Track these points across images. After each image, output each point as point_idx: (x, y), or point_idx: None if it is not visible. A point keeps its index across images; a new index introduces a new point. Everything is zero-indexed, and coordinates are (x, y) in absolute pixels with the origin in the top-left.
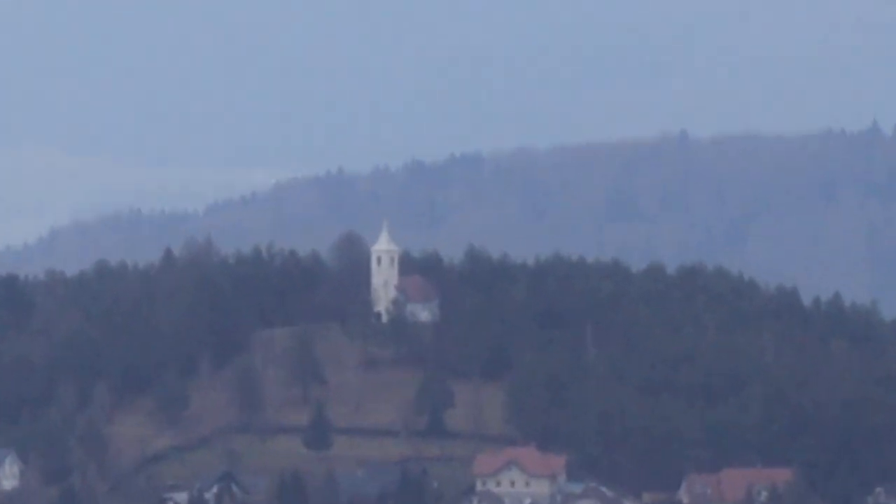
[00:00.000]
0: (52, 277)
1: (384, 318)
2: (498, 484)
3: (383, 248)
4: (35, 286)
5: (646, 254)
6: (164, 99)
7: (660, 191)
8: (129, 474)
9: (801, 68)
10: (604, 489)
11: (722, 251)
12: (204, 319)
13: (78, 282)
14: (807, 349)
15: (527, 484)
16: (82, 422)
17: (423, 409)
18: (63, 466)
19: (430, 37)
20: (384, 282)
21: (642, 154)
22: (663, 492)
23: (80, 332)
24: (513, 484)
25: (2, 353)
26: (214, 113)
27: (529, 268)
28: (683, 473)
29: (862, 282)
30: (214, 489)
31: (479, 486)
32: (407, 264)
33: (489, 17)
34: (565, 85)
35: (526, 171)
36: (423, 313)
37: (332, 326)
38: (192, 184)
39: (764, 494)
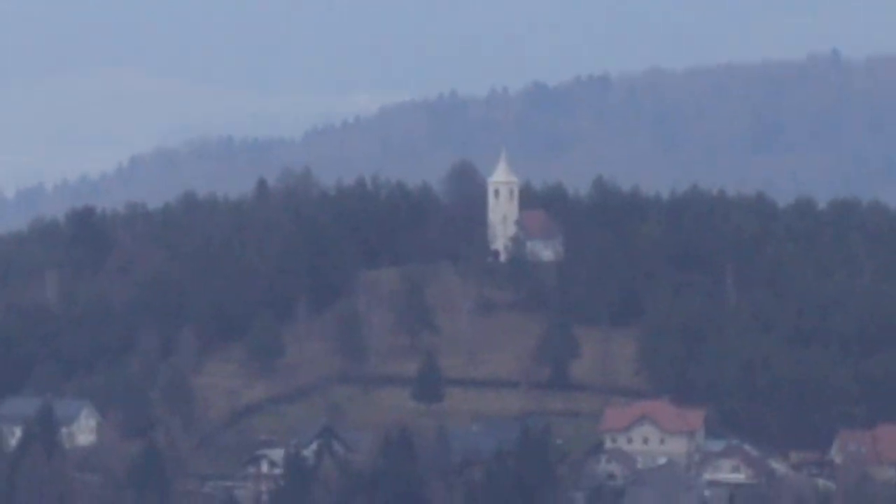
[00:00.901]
0: (132, 211)
1: (502, 258)
2: (629, 441)
3: (501, 180)
4: (114, 220)
5: (793, 187)
6: (256, 16)
7: (809, 117)
8: (219, 429)
9: None
10: (747, 447)
11: (878, 184)
12: (302, 258)
13: (161, 216)
14: None
15: (661, 441)
16: (166, 371)
17: (545, 358)
18: (144, 420)
19: None
20: (502, 217)
21: (789, 77)
22: (813, 450)
23: (164, 271)
24: (646, 441)
25: (77, 294)
26: (313, 32)
27: (663, 202)
28: (835, 430)
29: None
30: (313, 445)
31: (607, 444)
32: (527, 197)
33: None
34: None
35: (659, 94)
36: (546, 252)
37: (444, 266)
38: (289, 108)
39: None
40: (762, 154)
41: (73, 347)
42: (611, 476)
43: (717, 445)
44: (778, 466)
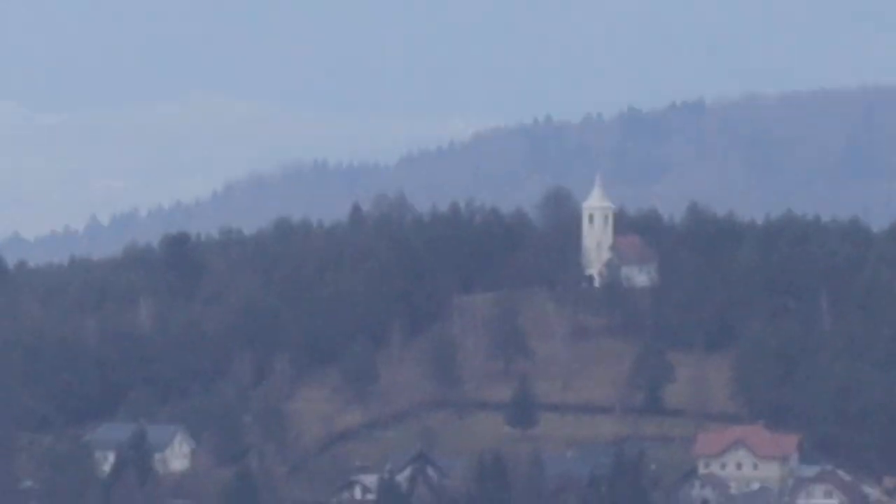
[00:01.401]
0: (226, 236)
1: (597, 283)
2: (723, 466)
3: (596, 205)
4: (208, 246)
5: (888, 212)
6: (349, 41)
7: None
8: (313, 455)
9: None
10: (841, 473)
11: None
12: (396, 284)
13: (255, 241)
14: None
15: (755, 466)
16: (260, 397)
17: (639, 383)
18: (238, 446)
19: None
20: (597, 242)
21: (884, 101)
22: None
23: (258, 297)
24: (739, 466)
25: (171, 320)
26: (408, 56)
27: (758, 228)
28: None
29: None
30: (407, 471)
31: (701, 469)
32: (622, 223)
33: None
34: (798, 24)
35: (754, 120)
36: (640, 277)
37: (539, 292)
38: (383, 133)
39: None
40: (857, 179)
41: (166, 373)
42: (704, 502)
43: (810, 471)
44: (871, 491)
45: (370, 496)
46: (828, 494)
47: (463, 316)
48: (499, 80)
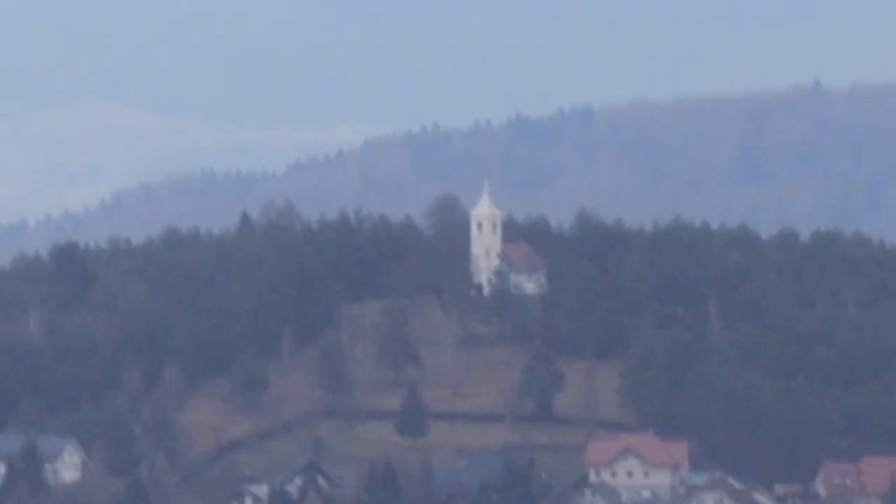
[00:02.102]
0: (115, 246)
1: (486, 291)
2: (613, 475)
3: (484, 213)
4: (97, 255)
5: (776, 219)
6: (237, 50)
7: (791, 148)
8: (203, 465)
9: None
10: (731, 480)
11: (861, 215)
12: (285, 292)
13: (144, 251)
14: None
15: (645, 475)
16: (150, 406)
17: (529, 391)
18: (129, 456)
19: None
20: (485, 250)
21: (772, 107)
22: (797, 483)
23: (148, 306)
24: (630, 474)
25: (61, 329)
26: (294, 65)
27: (647, 234)
28: (819, 462)
29: None
30: (298, 481)
31: (592, 477)
32: (511, 230)
33: None
34: (686, 30)
35: (642, 126)
36: (529, 285)
37: (428, 300)
38: (271, 142)
39: None
40: (745, 185)
41: (56, 383)
42: None
43: (701, 478)
44: (762, 499)
45: None
46: (718, 502)
47: (352, 324)
48: (386, 88)
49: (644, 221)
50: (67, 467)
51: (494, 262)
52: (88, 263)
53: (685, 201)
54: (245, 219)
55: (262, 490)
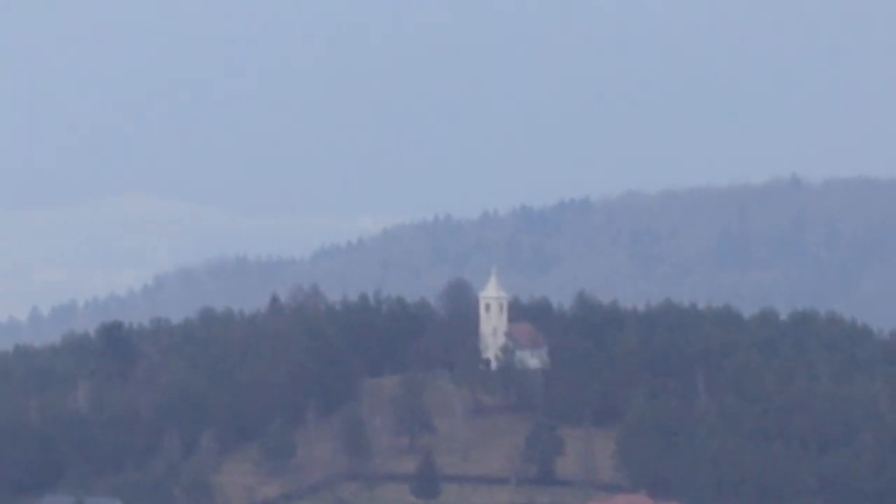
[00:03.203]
0: (156, 325)
1: (493, 366)
2: None
3: (492, 295)
4: (140, 334)
5: (758, 300)
6: (269, 146)
7: (772, 236)
8: None
9: None
10: None
11: (835, 296)
12: (311, 367)
13: (183, 329)
14: None
15: None
16: (188, 470)
17: (532, 456)
18: None
19: (538, 84)
20: (493, 329)
21: (753, 198)
22: None
23: (186, 380)
24: None
25: (107, 401)
26: (320, 160)
27: (640, 315)
28: None
29: None
30: None
31: None
32: (516, 311)
33: (597, 63)
34: (674, 129)
35: (635, 216)
36: (533, 360)
37: (441, 374)
38: (298, 230)
39: None
40: (729, 269)
41: (103, 450)
42: None
43: None
44: None
45: None
46: None
47: (372, 396)
48: (403, 182)
49: (637, 303)
50: None
51: (501, 339)
52: (132, 341)
53: (674, 284)
54: (274, 300)
55: None
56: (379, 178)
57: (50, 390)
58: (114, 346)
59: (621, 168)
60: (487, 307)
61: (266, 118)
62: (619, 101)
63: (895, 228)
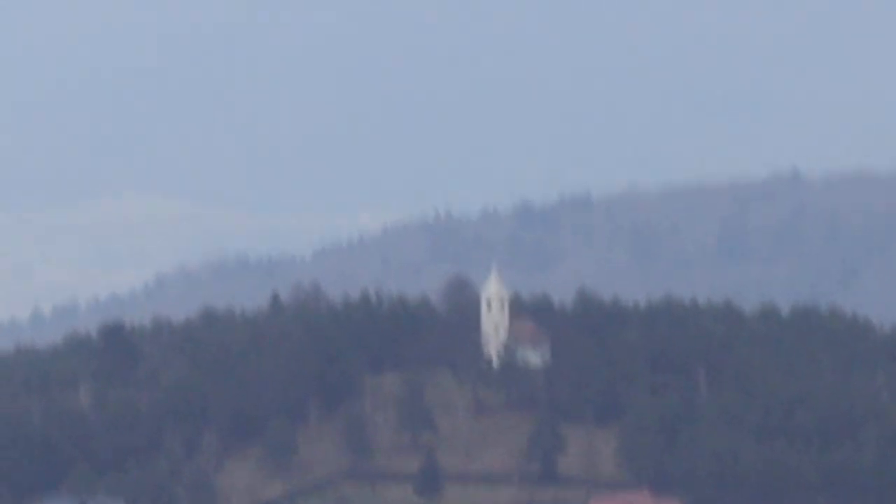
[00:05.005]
0: (157, 325)
1: (495, 363)
2: None
3: (493, 292)
4: (141, 334)
5: (759, 295)
6: (269, 143)
7: (772, 231)
8: None
9: None
10: None
11: (836, 291)
12: (312, 366)
13: (184, 329)
14: None
15: None
16: (190, 470)
17: (535, 454)
18: None
19: (539, 79)
20: (494, 326)
21: (754, 193)
22: None
23: (187, 379)
24: None
25: (108, 401)
26: (319, 158)
27: (641, 311)
28: None
29: None
30: None
31: None
32: (517, 308)
33: (597, 58)
34: (675, 125)
35: (635, 212)
36: (534, 358)
37: (442, 372)
38: (299, 229)
39: None
40: (730, 266)
41: (105, 449)
42: None
43: None
44: None
45: None
46: None
47: (373, 394)
48: (403, 179)
49: (638, 299)
50: None
51: (502, 337)
52: (133, 341)
53: (675, 280)
54: (275, 299)
55: None
56: (378, 175)
57: (51, 391)
58: (115, 347)
59: (621, 164)
60: (488, 304)
61: (264, 116)
62: (617, 98)
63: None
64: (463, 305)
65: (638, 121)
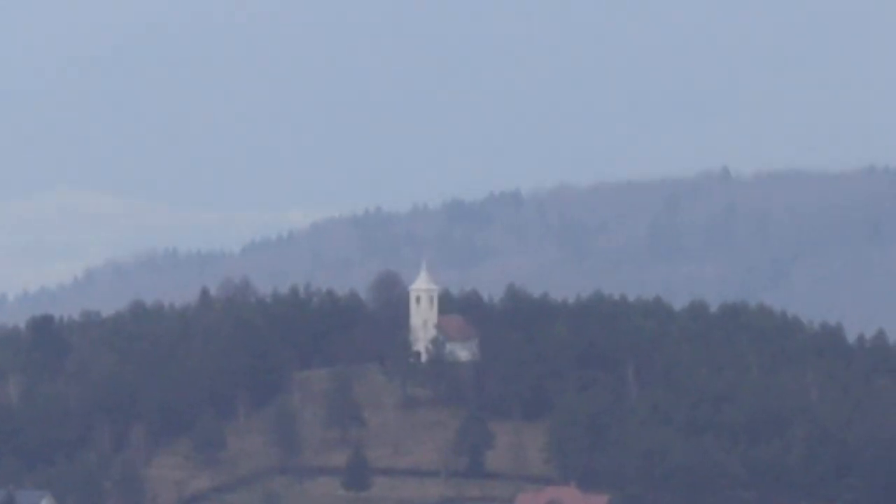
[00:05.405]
0: (87, 318)
1: (423, 358)
2: None
3: (422, 287)
4: (70, 327)
5: (689, 292)
6: (198, 140)
7: (702, 228)
8: None
9: (844, 104)
10: None
11: (765, 289)
12: (241, 360)
13: (113, 322)
14: (851, 387)
15: None
16: (119, 464)
17: (462, 449)
18: None
19: (469, 76)
20: (423, 321)
21: (684, 191)
22: None
23: (116, 373)
24: None
25: (37, 394)
26: (250, 153)
27: (570, 307)
28: None
29: None
30: None
31: None
32: (446, 303)
33: (528, 54)
34: (605, 121)
35: (565, 208)
36: (463, 353)
37: (371, 367)
38: (229, 224)
39: None
40: (659, 262)
41: (33, 442)
42: None
43: None
44: None
45: None
46: None
47: (302, 389)
48: (333, 175)
49: (568, 295)
50: None
51: (431, 332)
52: (62, 334)
53: (605, 277)
54: (205, 294)
55: None
56: (308, 171)
57: None
58: (44, 340)
59: (551, 160)
60: (418, 300)
61: (196, 113)
62: (547, 95)
63: (826, 221)
64: (392, 301)
65: (568, 117)
